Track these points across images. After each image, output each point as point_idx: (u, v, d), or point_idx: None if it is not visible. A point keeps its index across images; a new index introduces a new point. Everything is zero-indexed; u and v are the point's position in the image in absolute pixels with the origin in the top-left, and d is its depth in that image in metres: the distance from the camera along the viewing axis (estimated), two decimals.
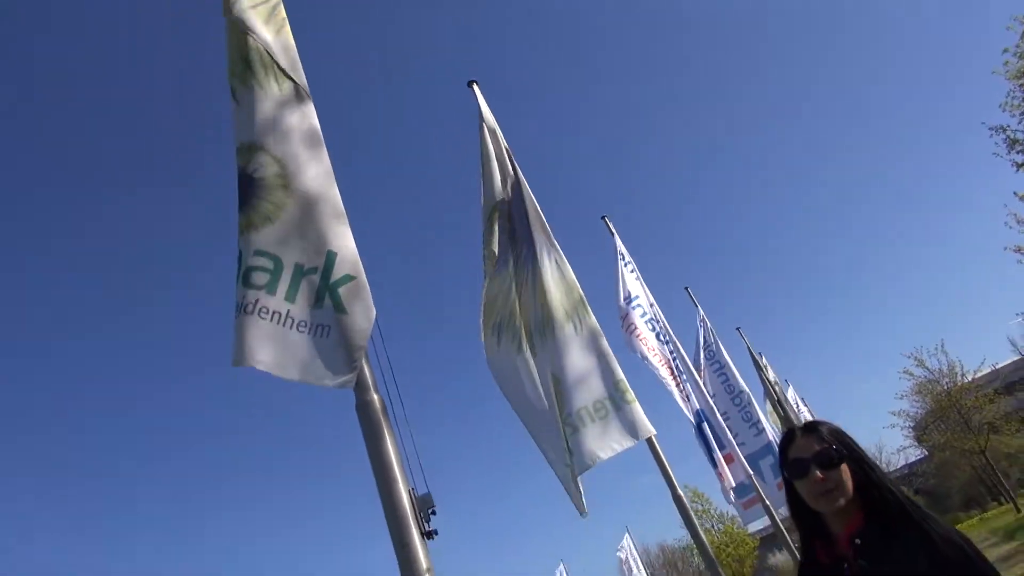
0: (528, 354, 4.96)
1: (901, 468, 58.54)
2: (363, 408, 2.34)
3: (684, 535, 48.42)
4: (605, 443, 5.27)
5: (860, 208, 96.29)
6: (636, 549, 33.01)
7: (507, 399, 4.85)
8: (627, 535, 32.84)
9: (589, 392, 5.29)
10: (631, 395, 5.54)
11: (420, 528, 2.17)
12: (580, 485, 4.52)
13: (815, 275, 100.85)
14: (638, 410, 5.48)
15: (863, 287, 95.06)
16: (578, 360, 5.40)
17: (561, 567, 32.73)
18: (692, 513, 5.49)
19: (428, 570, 2.12)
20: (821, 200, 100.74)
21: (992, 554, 17.78)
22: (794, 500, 1.92)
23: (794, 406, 17.78)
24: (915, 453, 49.07)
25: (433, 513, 2.22)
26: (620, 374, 5.62)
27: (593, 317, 5.87)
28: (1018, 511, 29.74)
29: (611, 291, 8.37)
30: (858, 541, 1.77)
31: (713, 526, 32.95)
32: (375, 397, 2.36)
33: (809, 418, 21.54)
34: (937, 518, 1.81)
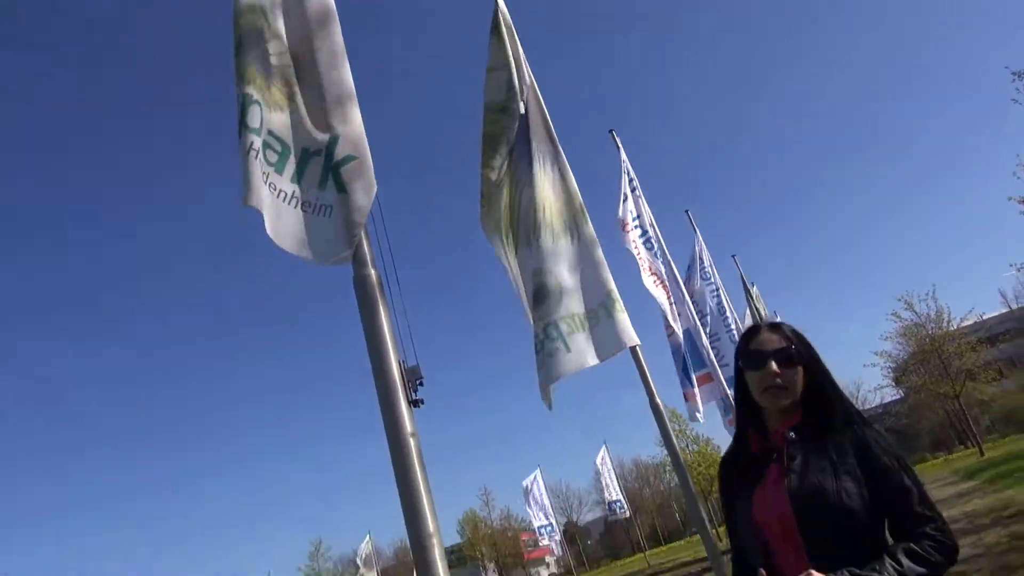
0: (512, 252, 5.05)
1: (876, 407, 60.13)
2: (360, 282, 2.43)
3: (659, 452, 50.03)
4: (592, 351, 5.43)
5: (863, 149, 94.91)
6: (612, 462, 34.28)
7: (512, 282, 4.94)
8: (604, 448, 34.05)
9: (581, 300, 5.40)
10: (621, 305, 5.66)
11: (407, 396, 2.30)
12: (551, 385, 4.68)
13: (815, 211, 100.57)
14: (626, 320, 5.61)
15: (861, 229, 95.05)
16: (573, 268, 5.48)
17: (537, 472, 34.02)
18: (668, 424, 5.71)
19: (412, 434, 2.26)
20: (829, 135, 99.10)
21: (949, 491, 18.56)
22: (741, 391, 1.95)
23: None
24: (891, 394, 50.30)
25: (420, 384, 2.34)
26: (612, 284, 5.72)
27: (591, 227, 5.92)
28: (982, 455, 30.82)
29: (610, 206, 8.40)
30: (792, 435, 1.81)
31: (688, 446, 34.11)
32: (372, 272, 2.44)
33: None
34: (879, 430, 1.84)
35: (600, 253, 5.86)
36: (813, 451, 1.77)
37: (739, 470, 1.93)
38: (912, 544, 1.65)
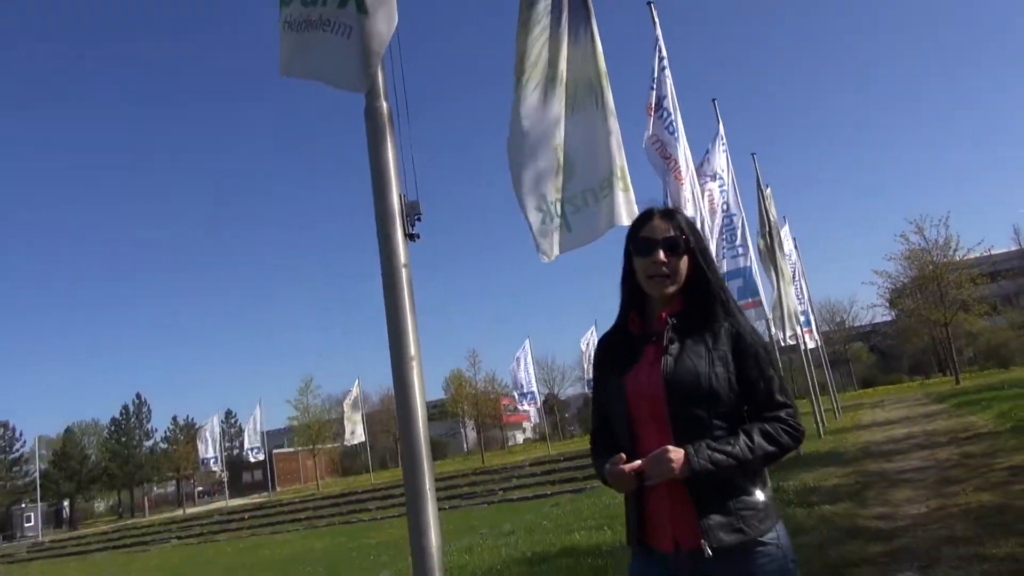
0: (530, 106, 4.95)
1: (865, 325, 61.11)
2: (371, 113, 2.46)
3: None
4: (596, 225, 5.47)
5: (898, 62, 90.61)
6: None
7: (509, 139, 4.87)
8: (593, 328, 34.84)
9: (592, 172, 5.38)
10: (628, 182, 5.67)
11: (404, 229, 2.40)
12: (556, 238, 4.72)
13: (839, 121, 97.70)
14: (632, 198, 5.63)
15: (888, 148, 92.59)
16: (587, 137, 5.43)
17: (527, 342, 35.03)
18: None
19: (405, 265, 2.37)
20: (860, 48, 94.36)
21: (918, 410, 19.27)
22: (628, 274, 1.98)
23: (785, 243, 18.10)
24: (883, 313, 50.86)
25: (419, 219, 2.43)
26: (623, 159, 5.70)
27: (611, 96, 5.82)
28: (957, 383, 31.65)
29: (630, 80, 8.19)
30: (673, 320, 1.88)
31: None
32: (384, 104, 2.47)
33: (795, 260, 22.01)
34: (752, 325, 1.92)
35: (615, 124, 5.79)
36: (690, 337, 1.85)
37: (616, 350, 1.97)
38: (766, 425, 1.77)
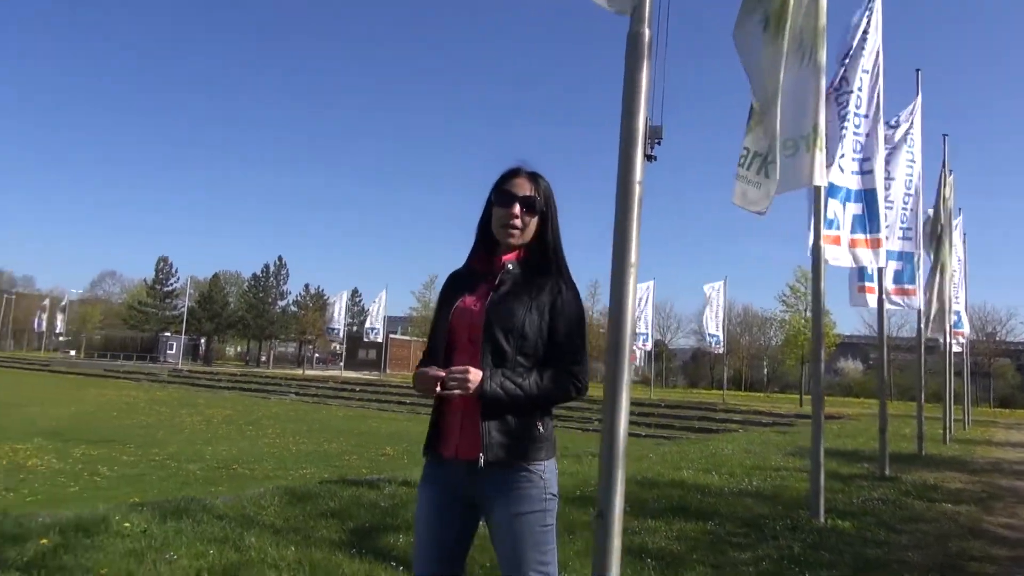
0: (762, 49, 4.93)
1: (1019, 343, 56.24)
2: (633, 38, 2.65)
3: (771, 308, 49.50)
4: (798, 176, 5.45)
5: None
6: (724, 298, 34.53)
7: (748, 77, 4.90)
8: (723, 282, 34.12)
9: (789, 126, 5.35)
10: (822, 142, 5.58)
11: (644, 149, 2.62)
12: (765, 188, 4.78)
13: None
14: (820, 159, 5.57)
15: None
16: (792, 90, 5.37)
17: (651, 283, 34.83)
18: (822, 267, 5.82)
19: (639, 182, 2.60)
20: None
21: None
22: (485, 219, 2.23)
23: (955, 236, 16.81)
24: None
25: (659, 143, 2.65)
26: (821, 118, 5.61)
27: (824, 54, 5.68)
28: None
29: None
30: (511, 266, 2.15)
31: (806, 310, 33.62)
32: (646, 31, 2.65)
33: (961, 255, 20.45)
34: (576, 291, 2.18)
35: (823, 83, 5.68)
36: (520, 283, 2.11)
37: (459, 282, 2.22)
38: (558, 373, 2.03)
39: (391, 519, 4.92)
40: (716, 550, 4.57)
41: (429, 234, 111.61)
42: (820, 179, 5.46)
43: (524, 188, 2.16)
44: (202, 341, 67.81)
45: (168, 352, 61.41)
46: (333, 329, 45.89)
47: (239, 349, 79.84)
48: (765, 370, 64.97)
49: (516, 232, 2.14)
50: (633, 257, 2.57)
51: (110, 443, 14.89)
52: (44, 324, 67.25)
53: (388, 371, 53.15)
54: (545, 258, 2.18)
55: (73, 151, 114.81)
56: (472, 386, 1.94)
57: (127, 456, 13.21)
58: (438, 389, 1.96)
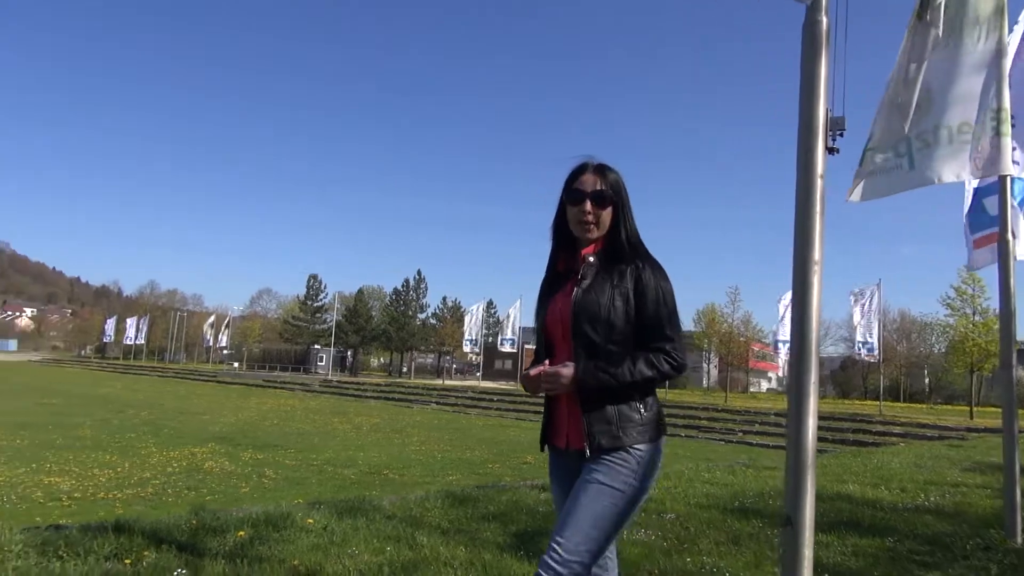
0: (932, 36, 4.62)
1: None
2: (809, 27, 2.57)
3: (932, 312, 45.59)
4: (951, 167, 5.07)
5: None
6: (878, 302, 32.28)
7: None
8: (877, 287, 31.95)
9: (962, 111, 4.97)
10: (1007, 127, 5.14)
11: (826, 141, 2.52)
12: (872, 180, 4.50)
13: None
14: (1006, 145, 5.12)
15: None
16: (967, 72, 4.99)
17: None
18: (1011, 261, 5.32)
19: (821, 176, 2.51)
20: None
21: None
22: (560, 218, 2.28)
23: None
24: None
25: (841, 134, 2.53)
26: (1006, 102, 5.16)
27: (1006, 33, 5.23)
28: None
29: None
30: (591, 259, 2.20)
31: (976, 314, 30.76)
32: (824, 19, 2.56)
33: None
34: (660, 271, 2.17)
35: (1007, 65, 5.23)
36: (602, 273, 2.16)
37: (550, 286, 2.30)
38: (650, 355, 2.07)
39: (549, 524, 4.97)
40: (900, 568, 4.27)
41: None
42: (1006, 167, 5.01)
43: (592, 183, 2.22)
44: (349, 353, 71.66)
45: (319, 364, 65.49)
46: (470, 340, 47.12)
47: (382, 360, 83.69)
48: (927, 379, 60.01)
49: (592, 226, 2.21)
50: (817, 254, 2.49)
51: (273, 448, 16.06)
52: (211, 339, 73.55)
53: None
54: (622, 245, 2.23)
55: (239, 184, 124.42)
56: (565, 382, 2.06)
57: (289, 460, 14.19)
58: (543, 387, 2.10)
